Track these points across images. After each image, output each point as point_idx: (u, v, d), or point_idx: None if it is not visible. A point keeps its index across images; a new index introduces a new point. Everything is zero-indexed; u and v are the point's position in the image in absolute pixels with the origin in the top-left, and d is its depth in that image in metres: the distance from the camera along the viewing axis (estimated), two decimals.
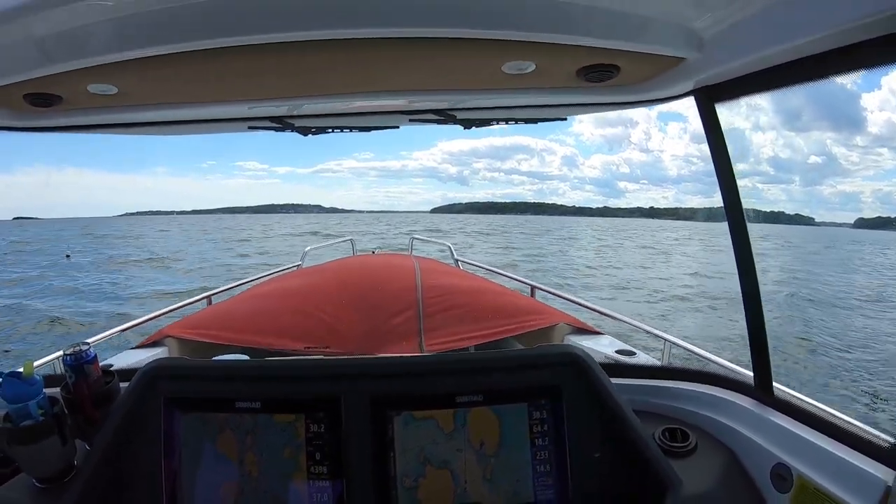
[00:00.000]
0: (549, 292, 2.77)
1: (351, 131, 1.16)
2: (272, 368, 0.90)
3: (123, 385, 0.99)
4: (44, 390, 0.92)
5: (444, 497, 0.86)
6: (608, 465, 0.90)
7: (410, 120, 1.10)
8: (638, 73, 0.97)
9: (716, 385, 1.07)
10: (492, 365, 0.90)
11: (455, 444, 0.86)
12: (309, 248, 3.91)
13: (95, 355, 0.98)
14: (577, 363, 0.90)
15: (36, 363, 1.48)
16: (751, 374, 1.05)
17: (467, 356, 0.92)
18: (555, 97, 1.02)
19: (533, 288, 2.82)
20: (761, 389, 1.00)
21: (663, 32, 0.83)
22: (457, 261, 3.72)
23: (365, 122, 1.13)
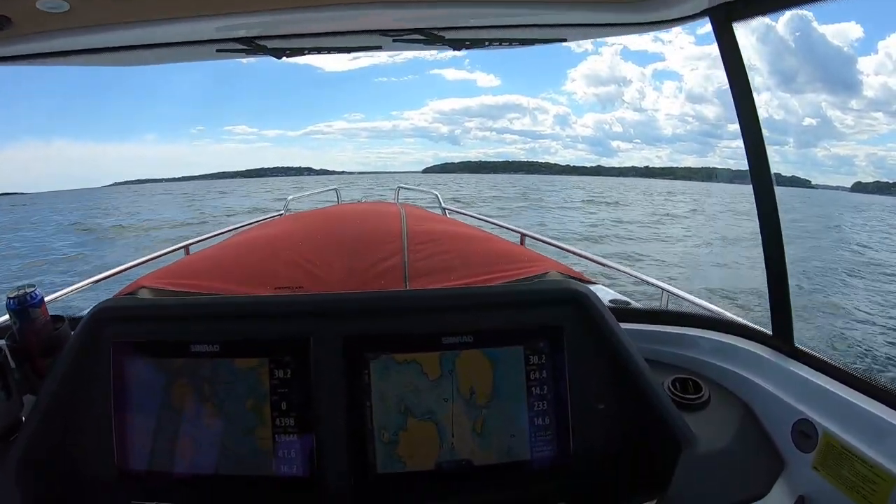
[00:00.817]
0: (540, 240, 2.68)
1: (329, 52, 1.06)
2: (232, 305, 0.80)
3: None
4: None
5: (428, 453, 0.76)
6: (614, 419, 0.80)
7: (394, 41, 1.00)
8: None
9: (729, 333, 0.98)
10: (484, 301, 0.80)
11: (441, 392, 0.76)
12: (291, 196, 3.79)
13: (42, 297, 0.89)
14: (581, 301, 0.80)
15: None
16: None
17: (456, 291, 0.82)
18: (555, 14, 0.92)
19: (523, 236, 2.72)
20: (780, 338, 0.90)
21: None
22: (444, 209, 3.61)
23: (344, 43, 1.03)
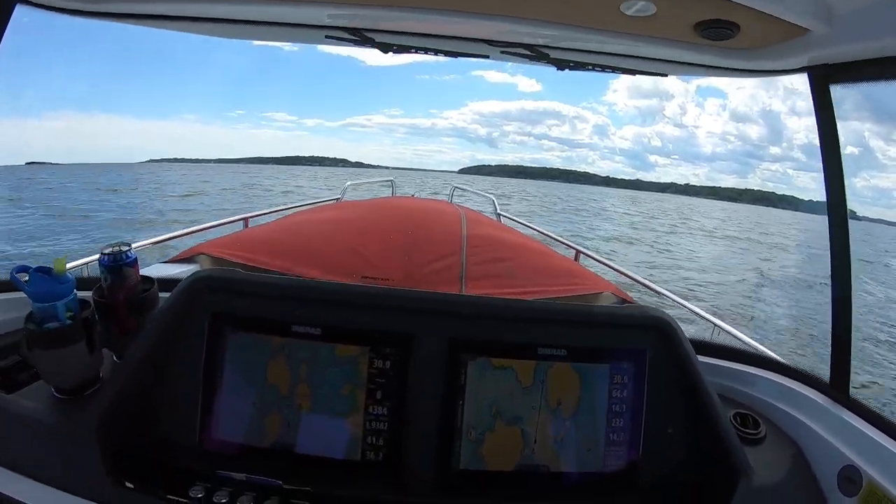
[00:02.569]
0: (595, 259, 2.70)
1: (436, 54, 1.07)
2: (339, 292, 0.81)
3: (163, 295, 0.90)
4: (75, 291, 0.83)
5: (510, 455, 0.79)
6: (681, 443, 0.84)
7: (502, 52, 1.02)
8: (756, 37, 0.91)
9: (787, 376, 1.02)
10: (579, 319, 0.83)
11: (530, 400, 0.79)
12: (349, 183, 3.83)
13: (136, 257, 0.89)
14: (666, 330, 0.84)
15: (72, 264, 1.36)
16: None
17: (554, 307, 0.85)
18: (663, 50, 0.95)
19: (578, 252, 2.73)
20: (836, 387, 0.95)
21: None
22: (499, 215, 3.60)
23: (452, 47, 1.05)
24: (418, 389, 0.78)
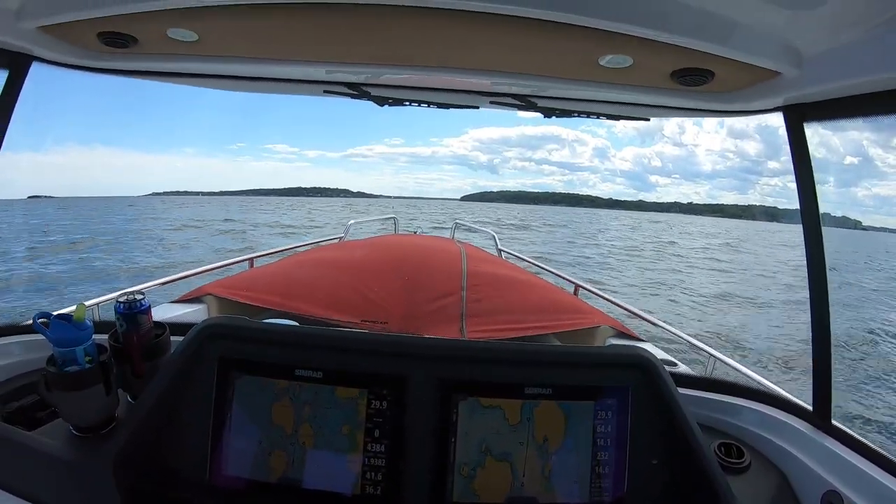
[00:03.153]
0: (593, 293, 2.74)
1: (429, 106, 1.13)
2: (339, 339, 0.87)
3: (175, 339, 0.96)
4: (93, 338, 0.89)
5: (500, 489, 0.83)
6: (665, 474, 0.88)
7: (491, 102, 1.08)
8: (731, 81, 0.95)
9: (771, 405, 1.06)
10: (563, 359, 0.88)
11: (518, 436, 0.84)
12: (352, 221, 3.92)
13: (149, 305, 0.95)
14: (648, 367, 0.88)
15: (89, 302, 1.43)
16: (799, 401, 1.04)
17: (539, 348, 0.90)
18: (644, 96, 1.00)
19: (577, 287, 2.79)
20: (819, 415, 0.99)
21: (764, 44, 0.82)
22: (500, 251, 3.67)
23: (444, 99, 1.11)
24: (413, 428, 0.83)
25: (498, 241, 3.80)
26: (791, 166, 1.01)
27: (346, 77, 1.05)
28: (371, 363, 0.85)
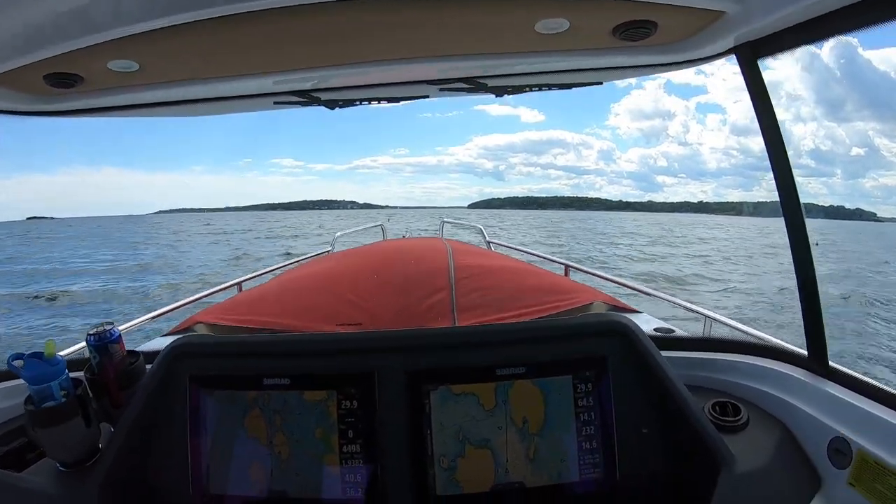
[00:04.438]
0: (584, 271, 2.73)
1: (380, 102, 1.13)
2: (300, 343, 0.86)
3: (149, 366, 0.96)
4: (66, 371, 0.90)
5: (484, 478, 0.81)
6: (657, 442, 0.84)
7: (441, 89, 1.07)
8: (676, 30, 0.92)
9: (766, 357, 1.01)
10: (533, 335, 0.85)
11: (496, 421, 0.81)
12: (339, 233, 3.91)
13: (120, 335, 0.95)
14: (624, 332, 0.85)
15: (65, 351, 1.46)
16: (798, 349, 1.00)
17: (507, 326, 0.87)
18: (590, 59, 0.98)
19: (567, 267, 2.76)
20: (815, 360, 0.94)
21: None
22: (489, 243, 3.67)
23: (394, 93, 1.10)
24: (386, 424, 0.81)
25: (485, 233, 3.79)
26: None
27: (295, 85, 1.05)
28: (336, 363, 0.84)
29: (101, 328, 0.94)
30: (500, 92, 1.06)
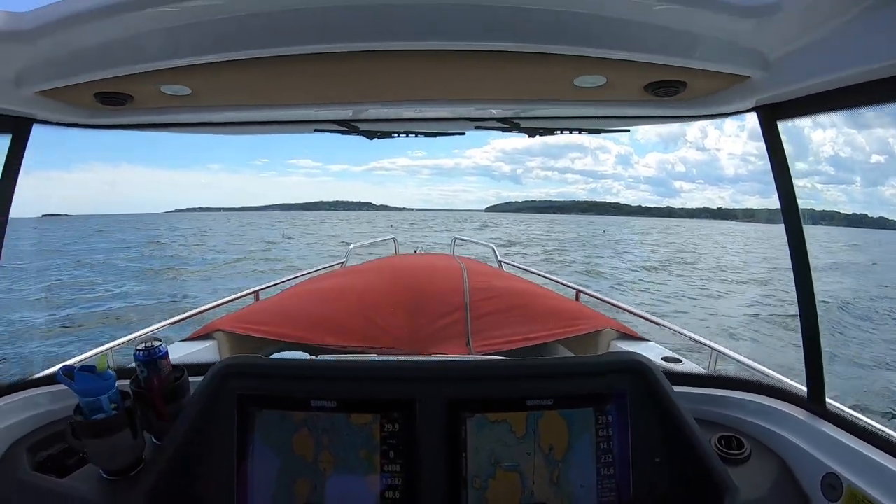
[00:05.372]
0: (594, 296, 2.78)
1: (416, 136, 1.18)
2: (348, 369, 0.92)
3: (193, 380, 1.01)
4: (116, 385, 0.94)
5: (511, 499, 0.88)
6: (668, 471, 0.92)
7: (476, 127, 1.12)
8: (703, 89, 0.99)
9: (768, 395, 1.10)
10: (561, 371, 0.93)
11: (525, 447, 0.89)
12: (353, 245, 3.98)
13: (167, 351, 1.00)
14: (643, 371, 0.92)
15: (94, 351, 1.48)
16: (800, 385, 1.08)
17: (538, 362, 0.94)
18: (621, 110, 1.04)
19: (578, 292, 2.82)
20: (814, 401, 1.03)
21: (729, 52, 0.85)
22: (500, 262, 3.73)
23: (430, 128, 1.15)
24: (425, 447, 0.88)
25: (497, 253, 3.85)
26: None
27: (335, 115, 1.09)
28: (381, 389, 0.90)
29: (150, 343, 0.99)
30: (532, 133, 1.12)
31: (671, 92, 0.98)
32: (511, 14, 0.73)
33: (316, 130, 1.15)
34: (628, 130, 1.16)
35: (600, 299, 2.71)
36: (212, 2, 0.71)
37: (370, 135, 1.15)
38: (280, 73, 0.90)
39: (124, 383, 1.00)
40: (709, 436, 0.99)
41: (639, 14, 0.76)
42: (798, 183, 1.03)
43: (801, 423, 1.01)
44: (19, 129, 1.06)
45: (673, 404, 0.92)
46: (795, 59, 0.83)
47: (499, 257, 3.79)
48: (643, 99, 1.02)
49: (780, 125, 1.03)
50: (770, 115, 1.01)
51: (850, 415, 1.00)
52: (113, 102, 1.01)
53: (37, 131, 1.12)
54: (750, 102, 1.01)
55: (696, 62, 0.85)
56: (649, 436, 0.92)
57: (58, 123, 1.10)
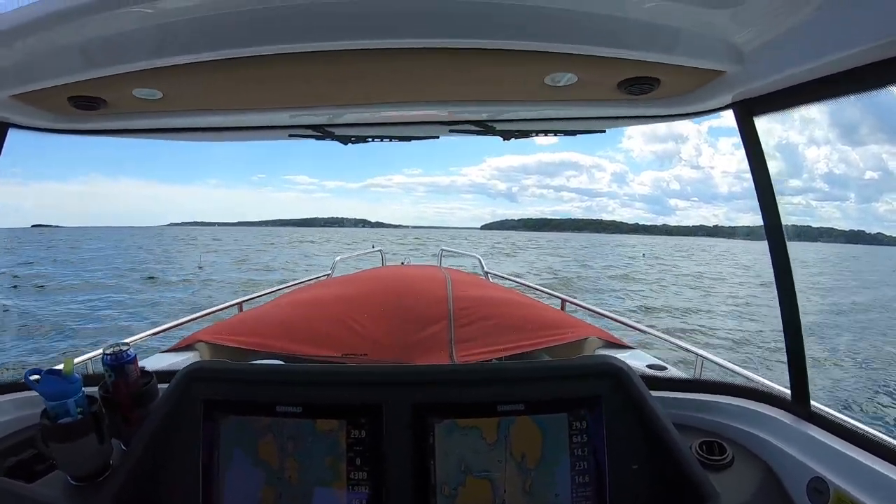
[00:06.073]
0: (580, 306, 2.77)
1: (391, 140, 1.17)
2: (315, 374, 0.90)
3: (161, 386, 1.00)
4: (83, 389, 0.93)
5: None
6: (646, 478, 0.89)
7: (450, 130, 1.11)
8: (677, 85, 0.98)
9: (751, 399, 1.07)
10: (533, 375, 0.90)
11: (496, 454, 0.86)
12: (339, 257, 3.95)
13: (135, 356, 0.99)
14: (617, 374, 0.90)
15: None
16: (784, 389, 1.05)
17: (508, 366, 0.92)
18: (595, 110, 1.03)
19: (563, 301, 2.81)
20: (798, 404, 1.00)
21: (703, 46, 0.84)
22: (486, 273, 3.73)
23: (405, 133, 1.14)
24: (392, 453, 0.85)
25: (483, 264, 3.85)
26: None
27: (310, 120, 1.09)
28: (347, 394, 0.88)
29: (117, 347, 0.98)
30: (507, 136, 1.11)
31: (645, 90, 0.97)
32: (481, 10, 0.73)
33: (290, 136, 1.15)
34: (604, 131, 1.15)
35: (586, 308, 2.69)
36: (183, 3, 0.71)
37: (344, 140, 1.15)
38: (251, 76, 0.90)
39: (94, 389, 0.99)
40: (690, 441, 0.96)
41: (609, 8, 0.75)
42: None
43: (785, 427, 0.98)
44: None
45: (650, 408, 0.89)
46: (770, 50, 0.82)
47: (485, 268, 3.78)
48: (617, 98, 1.00)
49: (759, 124, 1.02)
50: (746, 112, 1.00)
51: (836, 417, 0.96)
52: (86, 107, 1.02)
53: (29, 139, 1.13)
54: (726, 99, 1.00)
55: (669, 57, 0.84)
56: (626, 441, 0.90)
57: (34, 128, 1.11)
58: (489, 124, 1.08)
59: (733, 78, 0.92)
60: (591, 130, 1.13)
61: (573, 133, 1.12)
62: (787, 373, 1.01)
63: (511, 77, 0.94)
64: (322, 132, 1.11)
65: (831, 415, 0.97)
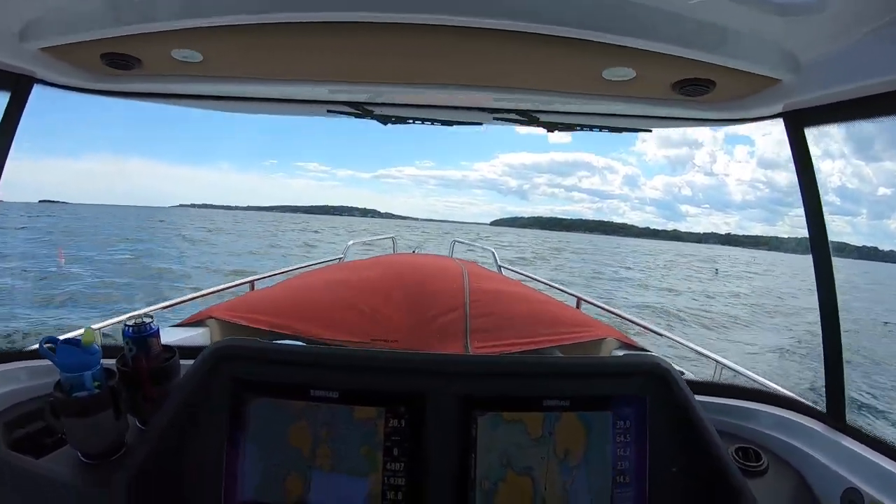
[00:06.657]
0: (596, 305, 2.76)
1: (433, 124, 1.14)
2: (354, 358, 0.86)
3: (183, 363, 0.95)
4: (101, 362, 0.88)
5: (522, 503, 0.82)
6: (686, 481, 0.87)
7: (494, 118, 1.09)
8: (731, 90, 0.97)
9: (786, 408, 1.06)
10: (579, 370, 0.88)
11: (540, 450, 0.83)
12: (351, 242, 3.92)
13: (158, 329, 0.94)
14: (664, 375, 0.88)
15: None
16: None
17: (556, 360, 0.90)
18: (647, 108, 1.02)
19: (579, 300, 2.80)
20: (833, 415, 0.99)
21: (763, 52, 0.84)
22: (500, 267, 3.70)
23: (447, 116, 1.11)
24: (432, 445, 0.82)
25: (497, 257, 3.84)
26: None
27: (349, 97, 1.06)
28: (387, 382, 0.84)
29: (140, 320, 0.92)
30: (551, 128, 1.09)
31: (700, 91, 0.96)
32: None
33: (329, 112, 1.11)
34: (650, 130, 1.14)
35: (602, 308, 2.69)
36: None
37: (384, 119, 1.11)
38: (295, 44, 0.86)
39: (111, 362, 0.94)
40: (726, 446, 0.95)
41: (672, 5, 0.74)
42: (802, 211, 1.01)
43: (820, 437, 0.98)
44: (19, 88, 1.01)
45: (694, 412, 0.88)
46: (828, 62, 0.82)
47: (498, 262, 3.76)
48: (670, 98, 0.99)
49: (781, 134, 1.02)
50: (797, 122, 1.00)
51: (871, 430, 0.96)
52: (120, 66, 0.97)
53: (45, 99, 1.07)
54: (777, 108, 1.00)
55: (728, 60, 0.84)
56: (668, 443, 0.88)
57: (61, 86, 1.06)
58: (534, 114, 1.05)
59: (788, 87, 0.91)
60: (638, 129, 1.11)
61: (619, 130, 1.11)
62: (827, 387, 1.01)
63: (567, 67, 0.92)
64: (361, 110, 1.08)
65: (866, 429, 0.97)
